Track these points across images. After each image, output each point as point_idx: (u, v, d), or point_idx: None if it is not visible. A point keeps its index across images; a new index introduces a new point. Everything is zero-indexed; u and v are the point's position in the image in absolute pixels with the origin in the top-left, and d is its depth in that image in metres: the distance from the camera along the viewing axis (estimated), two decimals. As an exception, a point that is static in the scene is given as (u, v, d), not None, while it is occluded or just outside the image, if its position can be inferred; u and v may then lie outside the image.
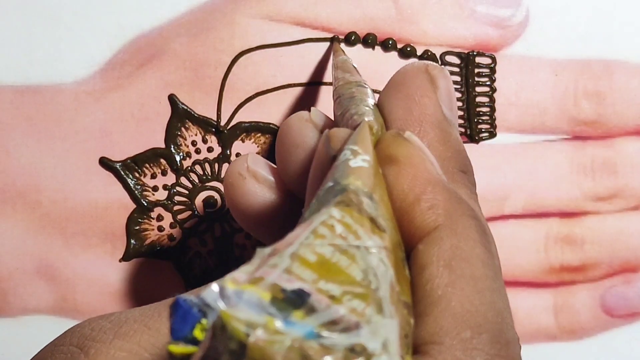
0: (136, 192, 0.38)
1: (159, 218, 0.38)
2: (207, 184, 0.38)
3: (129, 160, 0.38)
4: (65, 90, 0.37)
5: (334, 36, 0.37)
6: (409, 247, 0.23)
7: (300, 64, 0.37)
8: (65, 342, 0.24)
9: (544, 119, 0.39)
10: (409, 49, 0.37)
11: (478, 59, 0.38)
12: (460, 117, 0.38)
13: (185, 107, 0.37)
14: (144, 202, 0.38)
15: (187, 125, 0.38)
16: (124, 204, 0.38)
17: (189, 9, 0.37)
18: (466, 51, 0.38)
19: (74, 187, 0.38)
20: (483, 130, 0.38)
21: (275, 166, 0.31)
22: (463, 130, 0.38)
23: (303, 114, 0.30)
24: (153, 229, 0.38)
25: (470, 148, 0.38)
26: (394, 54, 0.38)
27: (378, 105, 0.29)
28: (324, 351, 0.17)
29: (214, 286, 0.18)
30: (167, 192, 0.38)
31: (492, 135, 0.39)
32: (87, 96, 0.37)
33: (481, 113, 0.38)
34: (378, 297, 0.19)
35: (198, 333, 0.19)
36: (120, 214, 0.38)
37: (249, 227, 0.31)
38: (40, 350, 0.24)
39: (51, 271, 0.38)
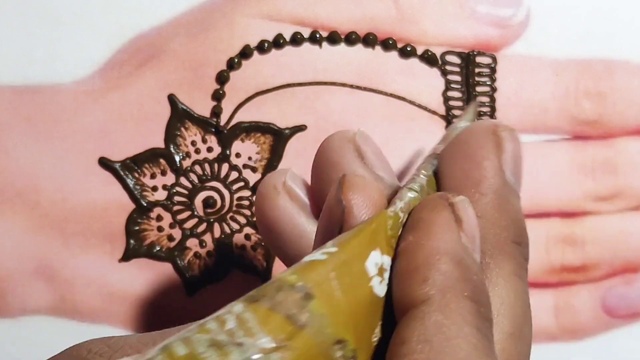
0: (135, 192, 0.38)
1: (159, 218, 0.38)
2: (206, 184, 0.38)
3: (128, 161, 0.37)
4: (64, 90, 0.37)
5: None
6: (398, 319, 0.22)
7: (300, 64, 0.37)
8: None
9: (545, 119, 0.38)
10: (409, 48, 0.37)
11: (478, 59, 0.38)
12: (460, 116, 0.38)
13: (185, 107, 0.37)
14: (143, 203, 0.38)
15: (186, 125, 0.37)
16: (123, 204, 0.38)
17: (189, 9, 0.37)
18: (467, 51, 0.38)
19: (73, 187, 0.37)
20: (483, 130, 0.38)
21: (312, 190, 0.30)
22: (463, 130, 0.38)
23: (346, 132, 0.29)
24: (152, 229, 0.38)
25: (470, 148, 0.38)
26: (394, 53, 0.37)
27: (439, 162, 0.27)
28: None
29: None
30: (166, 192, 0.38)
31: (493, 135, 0.38)
32: (86, 96, 0.37)
33: (482, 113, 0.38)
34: None
35: None
36: (119, 214, 0.38)
37: (269, 242, 0.30)
38: None
39: (50, 272, 0.38)
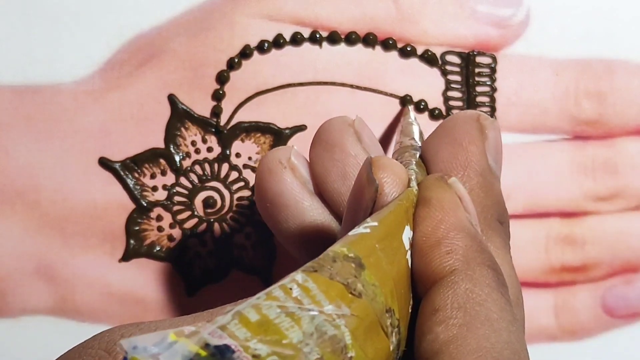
0: (135, 192, 0.38)
1: (159, 218, 0.38)
2: (206, 184, 0.38)
3: (128, 161, 0.37)
4: (64, 90, 0.37)
5: (405, 96, 0.37)
6: (421, 291, 0.23)
7: (300, 64, 0.37)
8: (95, 345, 0.24)
9: (545, 119, 0.38)
10: (409, 48, 0.37)
11: (479, 59, 0.38)
12: (460, 117, 0.38)
13: (185, 107, 0.37)
14: (143, 203, 0.38)
15: (186, 125, 0.37)
16: (123, 204, 0.38)
17: (189, 9, 0.37)
18: (467, 51, 0.38)
19: (73, 187, 0.37)
20: (483, 130, 0.38)
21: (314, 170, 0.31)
22: (463, 130, 0.38)
23: (346, 117, 0.31)
24: (152, 230, 0.38)
25: (470, 148, 0.38)
26: (394, 53, 0.37)
27: (424, 147, 0.29)
28: None
29: (155, 335, 0.18)
30: (166, 192, 0.38)
31: (493, 135, 0.38)
32: (86, 96, 0.37)
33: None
34: None
35: None
36: (119, 214, 0.38)
37: (268, 216, 0.31)
38: (68, 351, 0.24)
39: (50, 271, 0.38)
